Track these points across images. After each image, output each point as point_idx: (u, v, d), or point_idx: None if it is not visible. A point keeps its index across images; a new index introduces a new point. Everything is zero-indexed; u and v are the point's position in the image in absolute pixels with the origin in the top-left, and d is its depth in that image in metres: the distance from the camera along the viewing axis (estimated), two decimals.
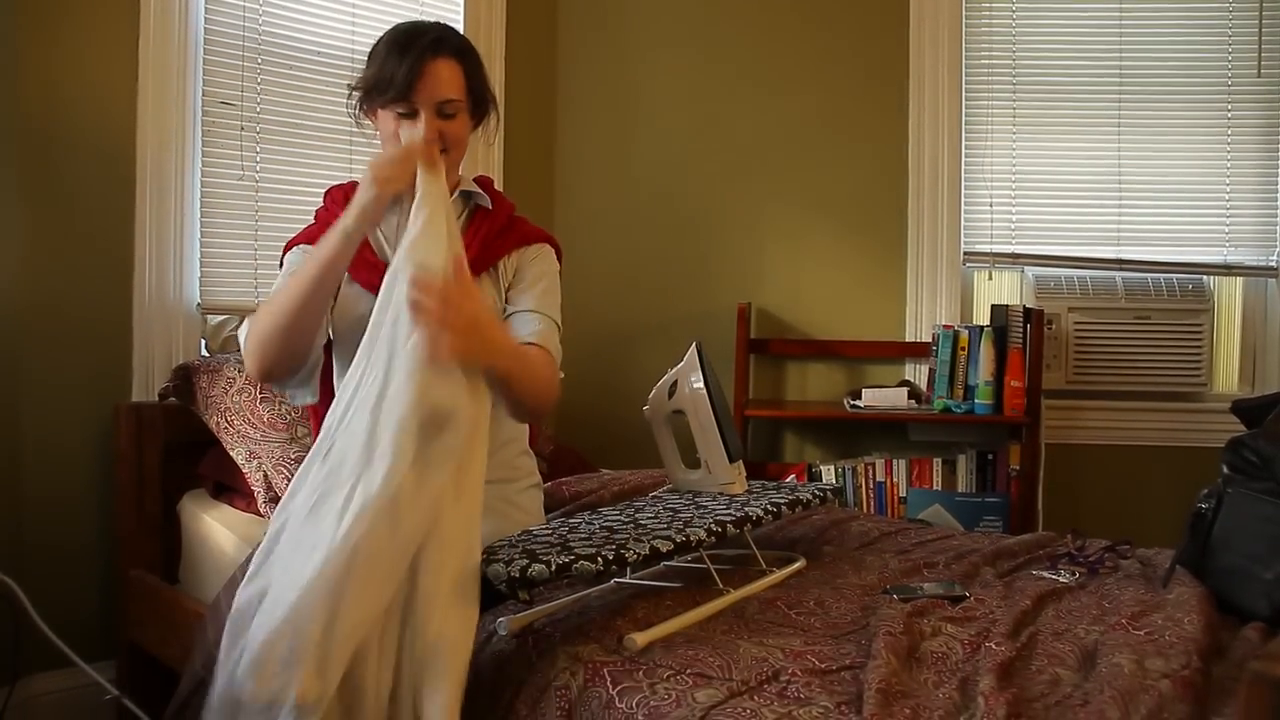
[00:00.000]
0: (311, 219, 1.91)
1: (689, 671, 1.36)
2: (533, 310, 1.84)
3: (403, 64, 1.73)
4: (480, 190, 1.95)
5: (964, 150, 3.22)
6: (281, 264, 1.88)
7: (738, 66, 3.29)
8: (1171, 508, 2.49)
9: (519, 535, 1.58)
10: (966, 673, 1.36)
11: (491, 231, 1.90)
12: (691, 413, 1.94)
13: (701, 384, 1.93)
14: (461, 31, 3.04)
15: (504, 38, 3.12)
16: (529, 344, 1.76)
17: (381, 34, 1.84)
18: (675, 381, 1.98)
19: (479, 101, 1.85)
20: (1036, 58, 3.23)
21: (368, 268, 1.79)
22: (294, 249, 1.86)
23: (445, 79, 1.77)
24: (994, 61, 3.24)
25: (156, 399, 2.43)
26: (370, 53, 1.83)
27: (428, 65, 1.74)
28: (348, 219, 1.63)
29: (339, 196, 1.88)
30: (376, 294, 1.60)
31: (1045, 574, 1.83)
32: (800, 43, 3.27)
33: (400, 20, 2.82)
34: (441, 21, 1.88)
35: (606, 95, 3.33)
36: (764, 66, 3.28)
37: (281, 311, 1.64)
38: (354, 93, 1.83)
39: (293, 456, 2.18)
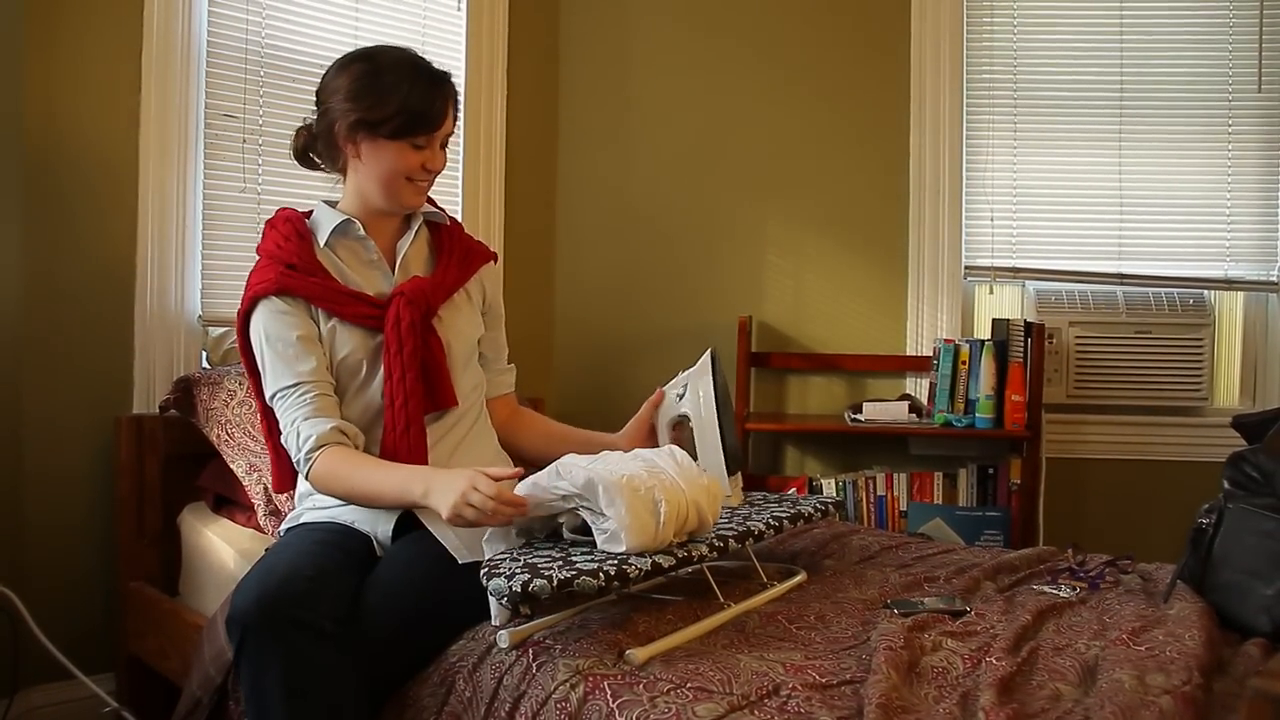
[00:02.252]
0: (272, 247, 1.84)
1: (689, 685, 1.35)
2: (508, 360, 2.10)
3: (435, 97, 1.78)
4: (430, 206, 1.96)
5: (965, 164, 3.23)
6: (246, 314, 1.78)
7: (738, 81, 3.30)
8: (1172, 522, 2.48)
9: (520, 548, 1.58)
10: (967, 688, 1.36)
11: (459, 249, 1.95)
12: (695, 419, 1.92)
13: (711, 392, 1.91)
14: (464, 45, 3.07)
15: (505, 51, 3.13)
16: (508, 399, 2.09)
17: (358, 63, 1.79)
18: (685, 385, 1.95)
19: None
20: (1037, 72, 3.24)
21: (351, 299, 1.79)
22: (265, 305, 1.76)
23: (453, 114, 1.84)
24: (995, 76, 3.24)
25: (157, 411, 2.43)
26: (364, 84, 1.76)
27: (451, 99, 1.81)
28: (418, 497, 1.62)
29: (290, 233, 1.81)
30: (364, 326, 1.78)
31: (1046, 589, 1.82)
32: (801, 57, 3.28)
33: (402, 35, 2.90)
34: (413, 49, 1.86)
35: (608, 109, 3.34)
36: (765, 81, 3.29)
37: (347, 495, 1.74)
38: (356, 121, 1.76)
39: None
